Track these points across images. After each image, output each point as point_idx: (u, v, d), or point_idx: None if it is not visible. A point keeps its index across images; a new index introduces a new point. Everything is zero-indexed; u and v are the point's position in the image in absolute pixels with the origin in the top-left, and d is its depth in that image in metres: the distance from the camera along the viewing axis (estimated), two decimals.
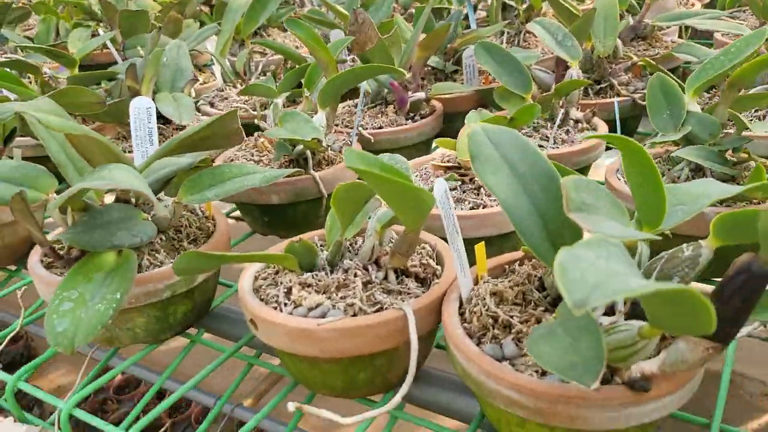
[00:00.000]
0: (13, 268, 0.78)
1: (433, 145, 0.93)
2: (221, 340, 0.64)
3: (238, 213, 0.83)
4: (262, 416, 0.53)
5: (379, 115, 0.89)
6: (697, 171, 0.62)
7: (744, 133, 0.62)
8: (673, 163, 0.64)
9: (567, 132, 0.79)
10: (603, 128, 0.80)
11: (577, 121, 0.80)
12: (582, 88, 0.83)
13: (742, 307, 0.36)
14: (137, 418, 0.55)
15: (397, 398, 0.45)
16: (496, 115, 0.63)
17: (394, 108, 0.89)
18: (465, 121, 0.71)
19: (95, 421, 0.54)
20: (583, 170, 0.78)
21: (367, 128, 0.86)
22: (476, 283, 0.51)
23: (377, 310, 0.49)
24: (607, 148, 0.92)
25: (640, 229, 0.44)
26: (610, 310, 0.43)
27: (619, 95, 0.89)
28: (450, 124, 0.94)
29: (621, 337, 0.37)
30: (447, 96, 0.95)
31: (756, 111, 0.76)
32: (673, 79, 0.67)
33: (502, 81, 0.80)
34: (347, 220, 0.51)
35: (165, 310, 0.58)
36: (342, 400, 0.53)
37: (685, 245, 0.42)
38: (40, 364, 0.61)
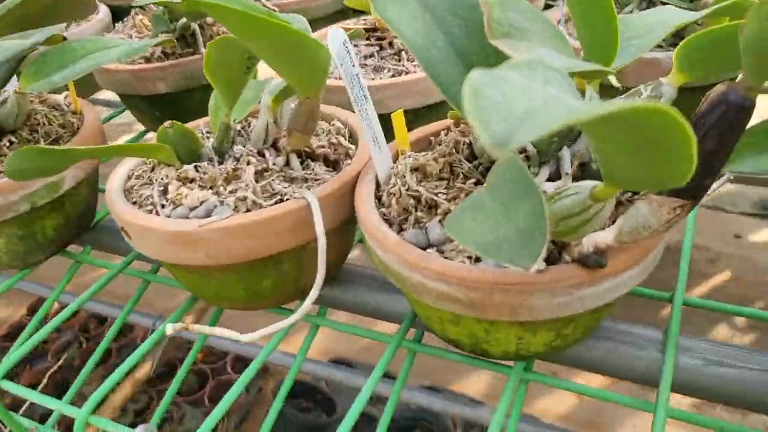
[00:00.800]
0: None
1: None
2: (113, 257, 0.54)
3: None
4: (158, 335, 0.44)
5: None
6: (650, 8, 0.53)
7: None
8: (622, 5, 0.55)
9: None
10: None
11: None
12: None
13: (718, 151, 0.28)
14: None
15: (307, 304, 0.37)
16: None
17: None
18: None
19: None
20: None
21: None
22: (397, 160, 0.42)
23: (276, 203, 0.40)
24: (547, 6, 0.82)
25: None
26: (555, 175, 0.35)
27: None
28: None
29: (569, 202, 0.29)
30: None
31: None
32: None
33: None
34: (230, 93, 0.41)
35: (29, 227, 0.48)
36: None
37: (643, 85, 0.34)
38: None
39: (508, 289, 0.31)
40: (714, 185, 0.45)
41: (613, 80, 0.54)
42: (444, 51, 0.32)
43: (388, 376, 0.86)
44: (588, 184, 0.28)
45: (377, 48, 0.56)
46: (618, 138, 0.20)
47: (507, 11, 0.26)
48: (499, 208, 0.24)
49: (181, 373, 0.48)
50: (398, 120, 0.41)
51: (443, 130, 0.43)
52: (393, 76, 0.54)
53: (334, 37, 0.36)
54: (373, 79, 0.54)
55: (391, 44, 0.57)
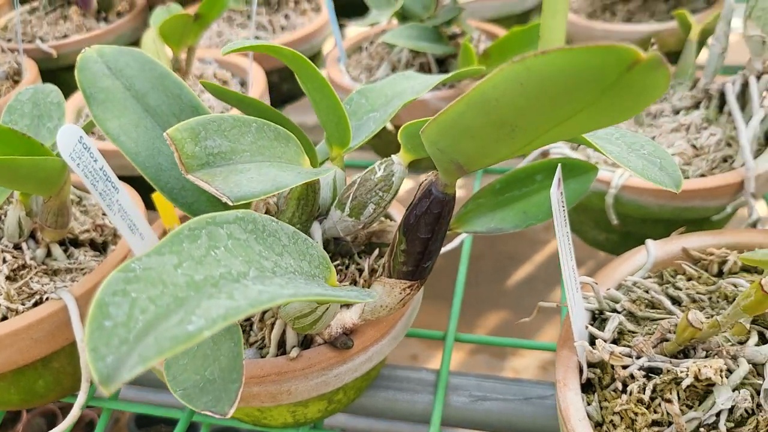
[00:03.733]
0: None
1: None
2: None
3: None
4: None
5: (62, 21, 0.71)
6: (417, 51, 0.56)
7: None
8: (392, 45, 0.58)
9: (286, 17, 0.68)
10: (324, 5, 0.70)
11: (297, 3, 0.70)
12: None
13: (431, 237, 0.31)
14: None
15: (70, 419, 0.36)
16: (178, 14, 0.51)
17: (79, 9, 0.72)
18: (151, 20, 0.57)
19: None
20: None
21: (47, 40, 0.69)
22: None
23: (36, 304, 0.38)
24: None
25: (330, 150, 0.37)
26: None
27: None
28: None
29: (297, 305, 0.30)
30: None
31: None
32: None
33: None
34: None
35: None
36: None
37: (377, 163, 0.36)
38: None
39: (264, 380, 0.32)
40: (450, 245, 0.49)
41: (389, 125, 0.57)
42: (172, 156, 0.31)
43: None
44: None
45: None
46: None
47: (204, 141, 0.26)
48: (210, 342, 0.25)
49: None
50: (159, 198, 0.41)
51: None
52: None
53: (66, 138, 0.34)
54: None
55: None
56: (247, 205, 0.31)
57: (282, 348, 0.34)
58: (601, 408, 0.29)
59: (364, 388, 0.40)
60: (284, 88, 0.69)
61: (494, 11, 0.69)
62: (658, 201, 0.42)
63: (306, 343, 0.34)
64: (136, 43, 0.75)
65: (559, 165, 0.29)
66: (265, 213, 0.36)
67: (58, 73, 0.69)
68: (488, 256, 1.48)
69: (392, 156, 0.36)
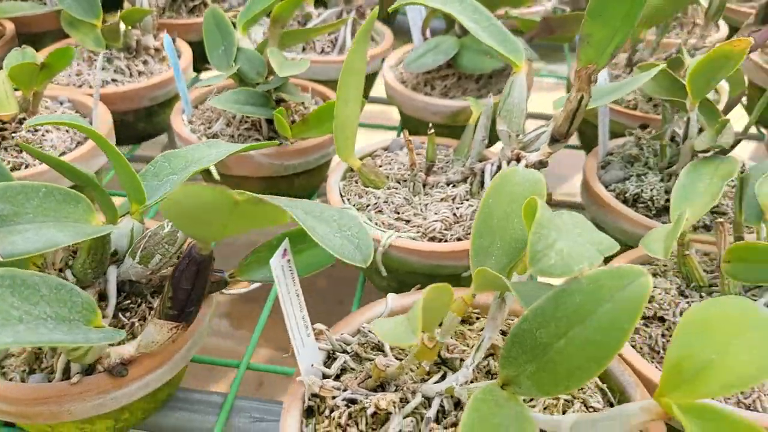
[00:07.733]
0: None
1: None
2: None
3: None
4: None
5: None
6: None
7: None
8: None
9: (145, 63, 0.74)
10: (186, 53, 0.77)
11: (157, 50, 0.76)
12: (158, 13, 0.78)
13: (192, 288, 0.38)
14: None
15: None
16: (25, 63, 0.56)
17: None
18: (4, 62, 0.62)
19: None
20: (166, 104, 0.75)
21: None
22: None
23: None
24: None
25: (131, 206, 0.44)
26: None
27: None
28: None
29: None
30: (22, 14, 0.82)
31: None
32: None
33: (63, 4, 0.71)
34: None
35: None
36: None
37: (166, 221, 0.43)
38: None
39: (47, 401, 0.38)
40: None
41: (214, 172, 0.64)
42: None
43: None
44: None
45: None
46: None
47: None
48: None
49: None
50: None
51: None
52: None
53: None
54: None
55: (14, 135, 0.60)
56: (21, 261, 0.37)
57: (68, 374, 0.40)
58: (315, 430, 0.37)
59: (152, 410, 0.47)
60: (140, 126, 0.74)
61: (337, 73, 0.78)
62: (419, 259, 0.51)
63: (91, 370, 0.41)
64: None
65: (286, 239, 0.37)
66: (61, 260, 0.42)
67: None
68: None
69: None
